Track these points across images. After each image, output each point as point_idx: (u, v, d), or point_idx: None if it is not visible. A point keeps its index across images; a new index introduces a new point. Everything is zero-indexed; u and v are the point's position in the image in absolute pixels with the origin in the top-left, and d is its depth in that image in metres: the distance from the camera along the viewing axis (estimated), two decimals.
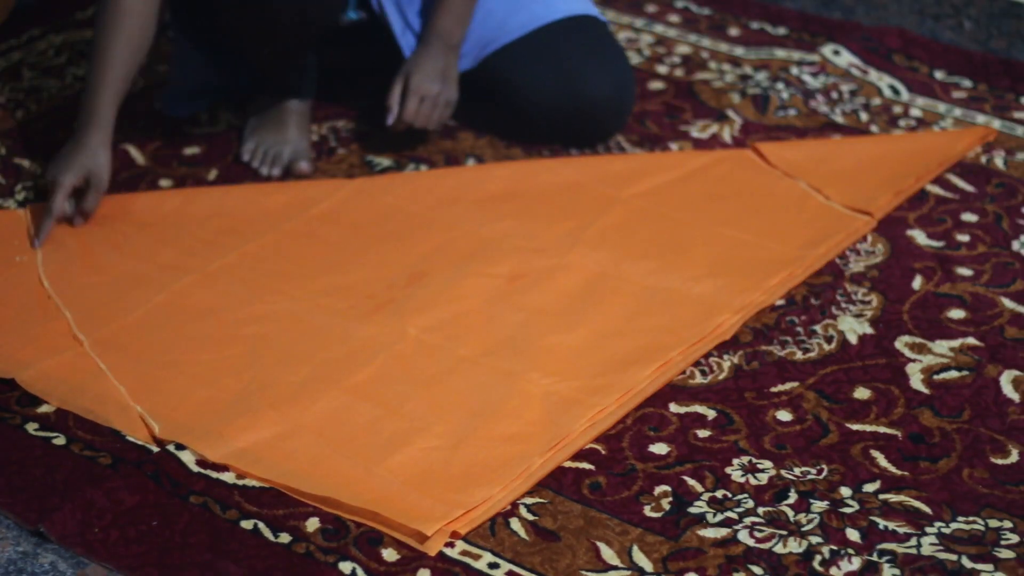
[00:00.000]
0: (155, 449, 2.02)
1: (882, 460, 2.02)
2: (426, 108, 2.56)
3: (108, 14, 2.40)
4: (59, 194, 2.37)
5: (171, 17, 2.62)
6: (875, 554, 1.87)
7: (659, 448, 2.04)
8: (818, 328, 2.25)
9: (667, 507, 1.95)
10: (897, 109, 2.80)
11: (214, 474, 1.98)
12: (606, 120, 2.64)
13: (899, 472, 2.00)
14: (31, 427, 2.06)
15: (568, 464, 2.01)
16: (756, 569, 1.86)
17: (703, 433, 2.07)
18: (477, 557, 1.88)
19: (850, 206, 2.50)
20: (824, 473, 2.00)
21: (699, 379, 2.16)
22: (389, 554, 1.87)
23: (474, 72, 2.65)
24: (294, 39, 2.53)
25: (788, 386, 2.15)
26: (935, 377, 2.16)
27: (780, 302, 2.30)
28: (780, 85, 2.85)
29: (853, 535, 1.90)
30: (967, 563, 1.86)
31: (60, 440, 2.04)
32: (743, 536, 1.90)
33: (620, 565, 1.87)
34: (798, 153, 2.64)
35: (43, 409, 2.09)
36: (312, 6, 2.48)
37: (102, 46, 2.40)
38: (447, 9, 2.57)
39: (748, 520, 1.93)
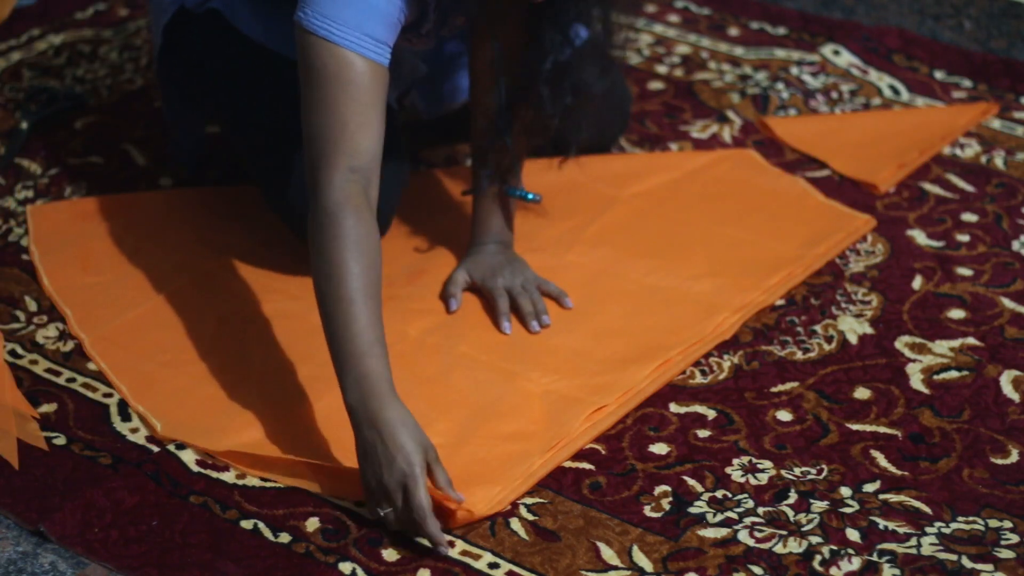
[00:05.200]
0: (155, 449, 2.02)
1: (882, 460, 2.02)
2: (525, 302, 2.25)
3: (339, 260, 1.94)
4: (421, 485, 1.86)
5: (156, 61, 2.45)
6: (875, 554, 1.87)
7: (659, 448, 2.04)
8: (818, 328, 2.25)
9: (667, 507, 1.95)
10: (897, 109, 2.80)
11: (214, 474, 1.98)
12: (603, 144, 2.64)
13: (899, 472, 2.00)
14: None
15: (568, 464, 2.01)
16: (756, 569, 1.86)
17: (703, 433, 2.07)
18: (477, 557, 1.88)
19: (855, 177, 2.52)
20: (824, 473, 2.00)
21: (699, 379, 2.16)
22: (389, 554, 1.87)
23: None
24: None
25: (788, 386, 2.15)
26: (935, 377, 2.16)
27: (780, 302, 2.30)
28: (780, 85, 2.85)
29: (853, 535, 1.90)
30: (967, 563, 1.86)
31: (60, 440, 2.04)
32: (743, 536, 1.90)
33: (620, 565, 1.87)
34: (806, 127, 2.66)
35: (43, 409, 2.09)
36: None
37: (347, 298, 1.92)
38: (495, 213, 2.33)
39: (748, 520, 1.93)
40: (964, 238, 2.45)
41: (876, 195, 2.54)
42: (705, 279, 2.32)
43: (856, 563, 1.86)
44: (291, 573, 1.85)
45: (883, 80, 2.87)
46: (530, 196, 2.35)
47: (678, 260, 2.37)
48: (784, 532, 1.91)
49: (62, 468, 1.99)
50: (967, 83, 2.86)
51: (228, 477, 1.98)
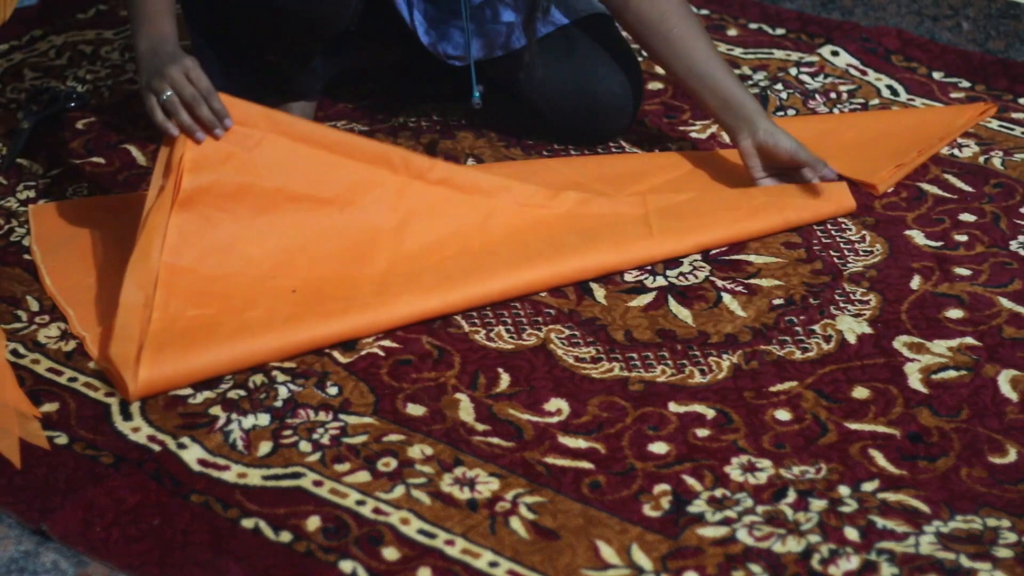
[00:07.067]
0: (157, 448, 2.03)
1: (880, 459, 2.03)
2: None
3: None
4: (203, 72, 2.19)
5: (188, 24, 2.58)
6: (874, 553, 1.88)
7: (658, 447, 2.05)
8: (817, 328, 2.26)
9: (666, 506, 1.95)
10: (895, 109, 2.80)
11: (215, 473, 1.99)
12: (615, 117, 2.65)
13: (897, 471, 2.01)
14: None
15: (568, 463, 2.02)
16: (755, 568, 1.86)
17: (702, 432, 2.07)
18: (477, 556, 1.88)
19: (854, 177, 2.53)
20: (823, 472, 2.00)
21: (698, 379, 2.17)
22: (390, 553, 1.88)
23: (487, 68, 2.63)
24: (300, 44, 2.53)
25: (787, 385, 2.15)
26: (933, 377, 2.17)
27: (779, 302, 2.31)
28: (779, 86, 2.86)
29: (852, 534, 1.91)
30: (965, 562, 1.87)
31: (62, 439, 2.05)
32: (742, 535, 1.91)
33: (620, 564, 1.87)
34: (804, 128, 2.66)
35: (45, 408, 2.10)
36: (317, 14, 2.47)
37: None
38: (734, 91, 2.52)
39: (747, 519, 1.93)
40: (962, 238, 2.45)
41: (874, 195, 2.55)
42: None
43: (855, 562, 1.87)
44: (292, 572, 1.85)
45: (881, 81, 2.88)
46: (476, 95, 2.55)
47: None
48: (783, 531, 1.91)
49: (64, 467, 2.00)
50: (965, 83, 2.87)
51: (229, 476, 1.98)
